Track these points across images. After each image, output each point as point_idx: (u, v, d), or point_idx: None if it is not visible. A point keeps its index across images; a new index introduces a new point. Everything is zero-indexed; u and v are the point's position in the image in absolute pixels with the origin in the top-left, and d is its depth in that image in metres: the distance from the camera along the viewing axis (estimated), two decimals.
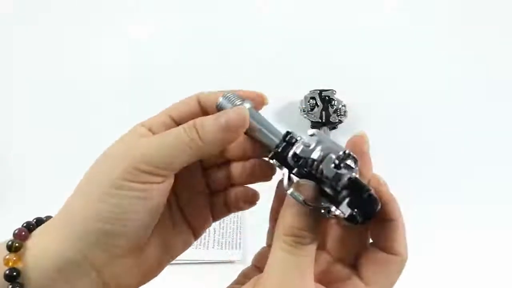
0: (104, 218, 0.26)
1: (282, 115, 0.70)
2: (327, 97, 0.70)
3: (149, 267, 0.30)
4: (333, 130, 0.70)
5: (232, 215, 0.61)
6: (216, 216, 0.33)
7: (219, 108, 0.30)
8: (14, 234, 0.26)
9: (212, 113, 0.29)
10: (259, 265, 0.32)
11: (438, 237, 0.58)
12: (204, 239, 0.59)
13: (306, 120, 0.70)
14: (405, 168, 0.65)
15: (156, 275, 0.31)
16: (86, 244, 0.26)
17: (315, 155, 0.26)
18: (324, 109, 0.69)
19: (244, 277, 0.32)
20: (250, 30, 0.85)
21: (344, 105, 0.70)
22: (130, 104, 0.75)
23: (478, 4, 0.85)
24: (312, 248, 0.26)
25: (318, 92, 0.71)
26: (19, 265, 0.25)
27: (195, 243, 0.51)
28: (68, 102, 0.76)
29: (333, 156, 0.26)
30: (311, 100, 0.70)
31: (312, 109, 0.70)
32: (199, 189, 0.32)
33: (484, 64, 0.78)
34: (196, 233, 0.33)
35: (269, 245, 0.33)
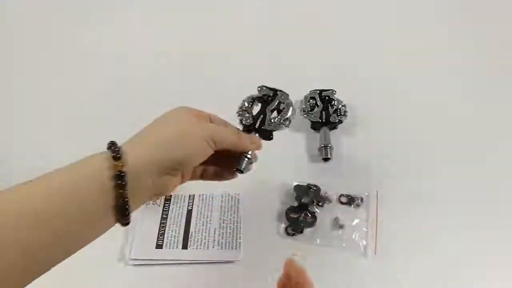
0: (177, 153, 0.40)
1: None
2: (327, 97, 0.70)
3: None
4: (333, 130, 0.70)
5: (232, 215, 0.61)
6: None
7: None
8: (110, 148, 0.37)
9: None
10: None
11: (438, 237, 0.58)
12: (204, 239, 0.58)
13: (306, 120, 0.70)
14: (405, 168, 0.65)
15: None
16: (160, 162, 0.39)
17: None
18: (324, 109, 0.69)
19: None
20: (250, 29, 0.85)
21: (344, 105, 0.70)
22: (127, 105, 0.75)
23: (479, 5, 0.86)
24: None
25: (318, 92, 0.71)
26: (124, 169, 0.36)
27: (195, 243, 0.52)
28: (67, 103, 0.76)
29: None
30: (311, 100, 0.70)
31: (312, 109, 0.69)
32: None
33: (486, 65, 0.78)
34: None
35: None
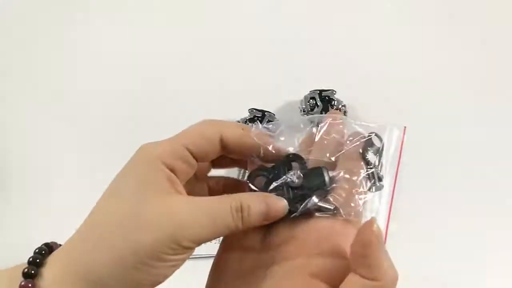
0: (134, 284, 0.26)
1: (282, 115, 0.70)
2: (327, 97, 0.70)
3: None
4: None
5: None
6: None
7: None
8: (21, 285, 0.25)
9: (233, 152, 0.30)
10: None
11: (439, 237, 0.58)
12: None
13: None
14: (405, 169, 0.65)
15: None
16: None
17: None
18: (324, 109, 0.69)
19: None
20: (250, 29, 0.85)
21: (344, 105, 0.70)
22: (129, 103, 0.75)
23: (479, 5, 0.85)
24: None
25: (318, 92, 0.71)
26: None
27: None
28: (68, 101, 0.77)
29: None
30: (311, 100, 0.70)
31: (312, 109, 0.70)
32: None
33: (486, 64, 0.78)
34: None
35: None
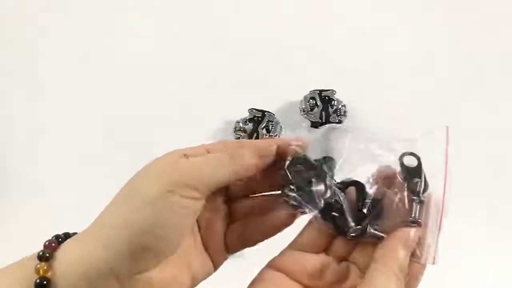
0: (136, 228, 0.27)
1: (282, 115, 0.71)
2: (327, 97, 0.70)
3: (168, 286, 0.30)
4: None
5: None
6: (232, 248, 0.35)
7: None
8: (44, 245, 0.27)
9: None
10: (281, 267, 0.34)
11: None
12: None
13: (306, 120, 0.70)
14: None
15: None
16: (113, 254, 0.27)
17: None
18: (324, 109, 0.70)
19: (266, 281, 0.33)
20: (249, 29, 0.85)
21: (344, 105, 0.70)
22: (129, 103, 0.75)
23: (479, 6, 0.86)
24: None
25: (318, 92, 0.71)
26: (48, 274, 0.26)
27: None
28: (69, 103, 0.77)
29: None
30: (311, 100, 0.70)
31: (312, 109, 0.70)
32: (220, 216, 0.33)
33: (487, 64, 0.78)
34: (215, 264, 0.34)
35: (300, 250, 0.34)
